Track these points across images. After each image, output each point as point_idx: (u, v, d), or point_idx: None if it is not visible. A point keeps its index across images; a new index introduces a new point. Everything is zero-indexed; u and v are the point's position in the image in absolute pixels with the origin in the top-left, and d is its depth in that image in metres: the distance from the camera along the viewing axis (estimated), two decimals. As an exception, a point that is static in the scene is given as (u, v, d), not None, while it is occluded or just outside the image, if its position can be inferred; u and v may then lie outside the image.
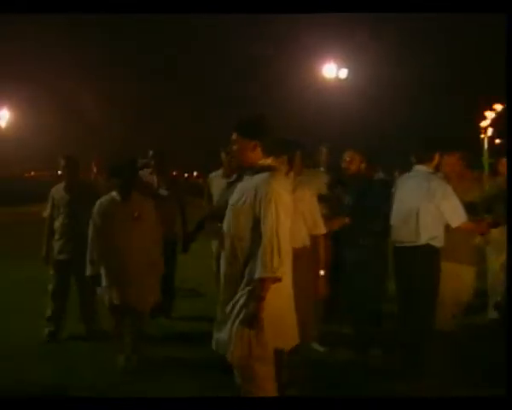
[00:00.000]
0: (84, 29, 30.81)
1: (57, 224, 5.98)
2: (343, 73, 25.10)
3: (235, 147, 3.53)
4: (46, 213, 6.09)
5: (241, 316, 3.34)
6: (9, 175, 36.46)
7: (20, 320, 6.40)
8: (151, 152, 6.56)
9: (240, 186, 3.54)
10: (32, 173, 44.05)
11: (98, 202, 5.15)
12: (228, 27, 30.08)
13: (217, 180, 5.89)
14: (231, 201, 3.53)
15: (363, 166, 5.49)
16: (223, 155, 5.74)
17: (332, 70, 24.91)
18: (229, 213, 3.51)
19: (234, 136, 3.53)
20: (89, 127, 33.42)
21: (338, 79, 25.12)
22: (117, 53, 33.11)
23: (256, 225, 3.34)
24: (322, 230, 4.54)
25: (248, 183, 3.47)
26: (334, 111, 25.04)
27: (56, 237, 5.99)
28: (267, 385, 3.41)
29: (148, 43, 32.77)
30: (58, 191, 6.05)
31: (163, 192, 6.32)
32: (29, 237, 14.57)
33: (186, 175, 42.55)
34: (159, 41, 32.87)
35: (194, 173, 49.57)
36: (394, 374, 4.73)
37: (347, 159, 5.49)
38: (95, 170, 26.83)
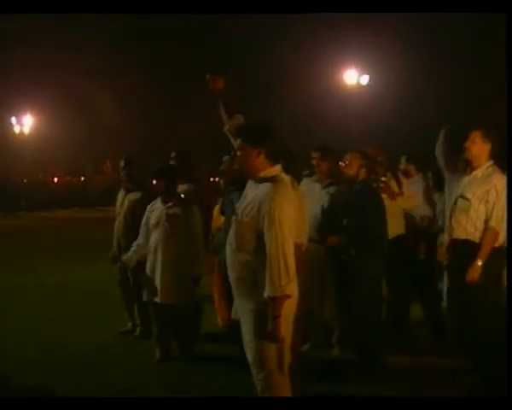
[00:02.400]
0: (107, 33, 30.82)
1: (116, 222, 6.12)
2: (364, 80, 25.05)
3: (239, 153, 3.45)
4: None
5: (256, 332, 3.32)
6: (34, 181, 36.90)
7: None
8: (173, 153, 6.12)
9: (244, 197, 3.45)
10: (56, 180, 44.46)
11: (149, 205, 5.41)
12: (249, 33, 30.06)
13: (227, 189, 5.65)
14: (235, 211, 3.47)
15: (362, 170, 5.04)
16: (225, 159, 5.42)
17: (353, 77, 24.87)
18: (232, 225, 3.45)
19: (238, 142, 3.46)
20: (110, 129, 33.48)
21: (359, 86, 25.07)
22: (139, 55, 33.12)
23: (260, 239, 3.29)
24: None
25: (252, 195, 3.38)
26: (355, 117, 24.94)
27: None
28: (283, 394, 3.38)
29: (172, 47, 32.69)
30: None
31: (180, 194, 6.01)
32: (53, 243, 14.78)
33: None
34: (184, 44, 32.79)
35: (216, 179, 49.46)
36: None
37: (346, 162, 5.09)
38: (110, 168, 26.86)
